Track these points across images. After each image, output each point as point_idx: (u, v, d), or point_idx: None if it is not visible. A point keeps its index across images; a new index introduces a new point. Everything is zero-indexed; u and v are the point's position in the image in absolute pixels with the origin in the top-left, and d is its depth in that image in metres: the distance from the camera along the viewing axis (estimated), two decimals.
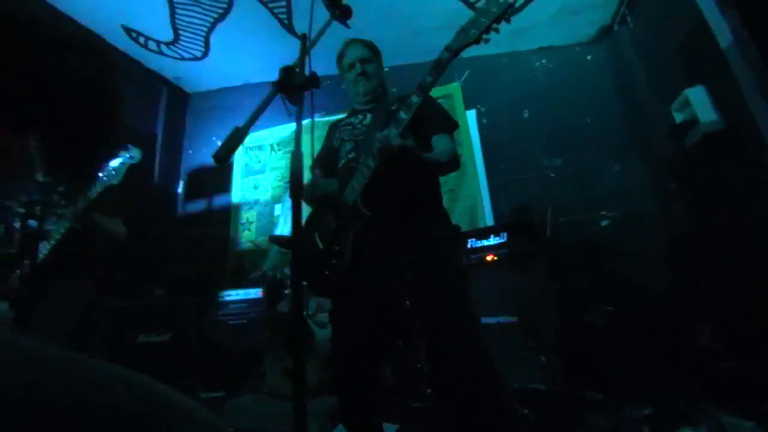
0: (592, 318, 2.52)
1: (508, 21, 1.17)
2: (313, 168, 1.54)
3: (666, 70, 2.74)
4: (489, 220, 3.12)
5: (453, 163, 1.38)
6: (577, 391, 2.00)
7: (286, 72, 0.76)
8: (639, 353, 2.30)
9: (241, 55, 3.72)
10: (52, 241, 1.74)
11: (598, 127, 3.28)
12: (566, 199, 3.14)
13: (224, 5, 3.15)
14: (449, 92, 3.54)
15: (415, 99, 1.23)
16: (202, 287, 3.06)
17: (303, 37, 0.85)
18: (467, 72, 3.57)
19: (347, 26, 1.24)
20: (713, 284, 2.44)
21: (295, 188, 0.69)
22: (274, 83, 0.75)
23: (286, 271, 2.79)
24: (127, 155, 1.87)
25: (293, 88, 0.76)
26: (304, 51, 0.83)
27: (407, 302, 1.29)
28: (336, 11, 1.16)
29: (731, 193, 2.26)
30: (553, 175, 3.28)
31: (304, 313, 2.28)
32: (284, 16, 3.24)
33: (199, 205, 3.98)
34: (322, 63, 1.32)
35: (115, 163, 1.83)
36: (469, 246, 2.32)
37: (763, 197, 1.99)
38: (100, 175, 1.83)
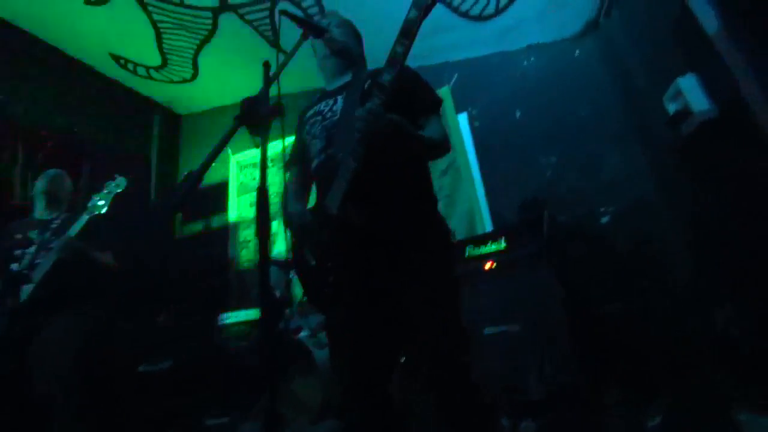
0: (603, 312, 2.47)
1: None
2: (286, 168, 1.45)
3: (658, 59, 2.69)
4: (488, 225, 3.08)
5: (447, 143, 1.25)
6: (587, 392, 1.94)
7: (248, 104, 0.73)
8: (656, 346, 2.25)
9: (231, 74, 3.72)
10: (38, 278, 1.72)
11: (594, 119, 3.24)
12: (566, 196, 3.09)
13: (209, 27, 3.16)
14: None
15: (386, 77, 1.06)
16: (204, 310, 3.05)
17: (265, 65, 0.83)
18: (456, 75, 3.56)
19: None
20: (723, 271, 2.39)
21: (262, 227, 0.66)
22: (235, 118, 0.73)
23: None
24: (113, 184, 1.85)
25: (257, 119, 0.73)
26: (267, 79, 0.81)
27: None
28: (308, 32, 1.14)
29: (733, 180, 2.20)
30: (549, 173, 3.24)
31: (305, 333, 2.25)
32: (269, 34, 3.25)
33: (197, 227, 3.97)
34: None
35: (100, 193, 1.81)
36: (466, 255, 2.27)
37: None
38: (88, 205, 1.81)
